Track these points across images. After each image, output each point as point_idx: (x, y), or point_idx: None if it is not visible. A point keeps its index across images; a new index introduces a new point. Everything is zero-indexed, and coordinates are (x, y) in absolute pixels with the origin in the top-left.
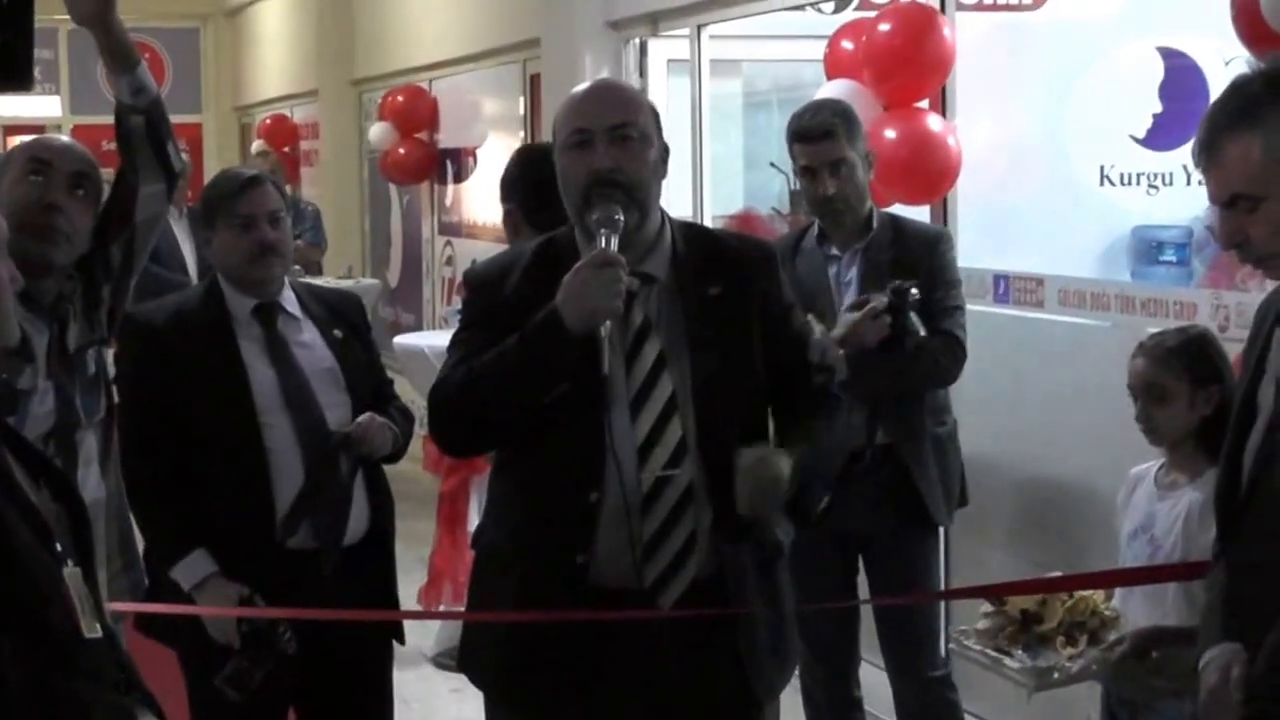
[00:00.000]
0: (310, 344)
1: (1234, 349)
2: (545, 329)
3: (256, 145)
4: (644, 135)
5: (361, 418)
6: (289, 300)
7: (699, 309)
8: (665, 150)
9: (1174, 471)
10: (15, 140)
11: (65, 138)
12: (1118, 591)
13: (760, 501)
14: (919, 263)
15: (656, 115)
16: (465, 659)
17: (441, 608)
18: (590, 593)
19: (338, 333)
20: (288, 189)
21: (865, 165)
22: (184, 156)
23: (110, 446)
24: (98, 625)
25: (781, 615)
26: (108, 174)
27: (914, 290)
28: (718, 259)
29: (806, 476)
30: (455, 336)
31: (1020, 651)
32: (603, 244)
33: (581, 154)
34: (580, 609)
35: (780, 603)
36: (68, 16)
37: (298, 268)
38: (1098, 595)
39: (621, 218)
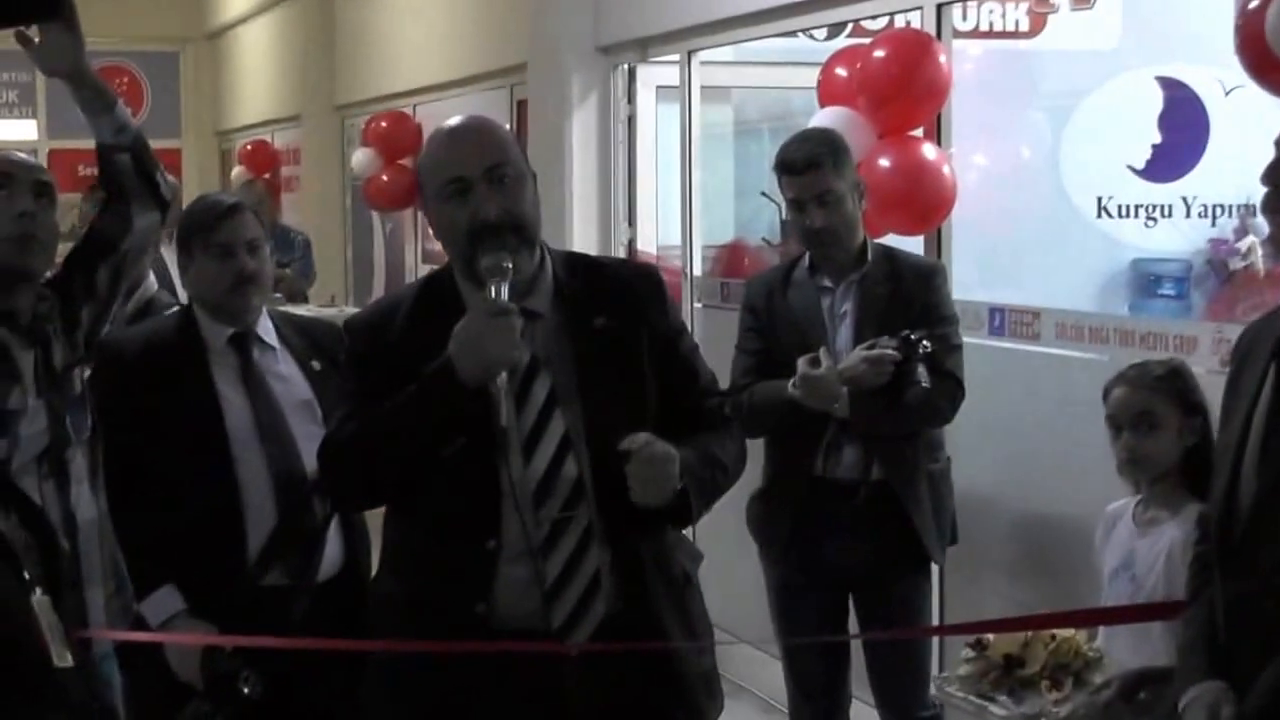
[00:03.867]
0: (287, 376)
1: None
2: (439, 382)
3: (236, 171)
4: (519, 173)
5: None
6: (265, 329)
7: (586, 343)
8: (534, 176)
9: (1153, 508)
10: None
11: (17, 153)
12: (1101, 631)
13: (653, 482)
14: (915, 297)
15: (521, 150)
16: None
17: None
18: (494, 640)
19: (316, 364)
20: (278, 219)
21: (855, 195)
22: (170, 180)
23: (97, 465)
24: (68, 653)
25: (700, 645)
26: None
27: (926, 343)
28: (602, 288)
29: (691, 480)
30: (341, 388)
31: (1004, 697)
32: (494, 293)
33: (461, 202)
34: (484, 659)
35: (698, 633)
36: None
37: (278, 295)
38: (1080, 636)
39: (510, 265)
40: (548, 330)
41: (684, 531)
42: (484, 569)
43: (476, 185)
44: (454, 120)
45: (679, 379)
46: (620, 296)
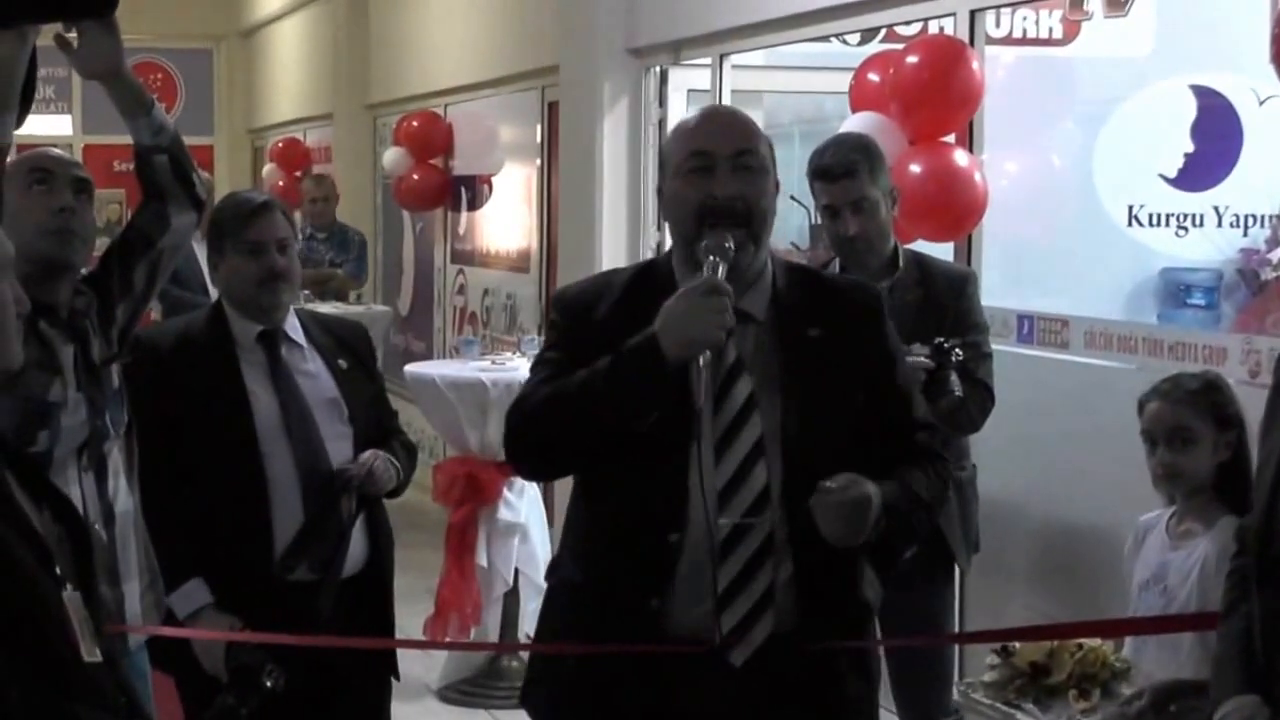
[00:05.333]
0: (314, 373)
1: (1264, 395)
2: (641, 354)
3: (268, 169)
4: (764, 166)
5: (364, 456)
6: (293, 328)
7: (796, 351)
8: (778, 184)
9: (1187, 520)
10: None
11: (55, 149)
12: (1129, 642)
13: (844, 525)
14: (946, 304)
15: (772, 148)
16: (526, 693)
17: (447, 639)
18: (661, 641)
19: (342, 362)
20: (335, 216)
21: (889, 202)
22: (204, 175)
23: (133, 458)
24: (97, 649)
25: (870, 678)
26: (117, 194)
27: (958, 351)
28: (820, 300)
29: (892, 520)
30: (540, 356)
31: (1031, 705)
32: (708, 272)
33: (700, 179)
34: (650, 656)
35: (869, 666)
36: (72, 34)
37: (306, 293)
38: (1107, 646)
39: (732, 246)
40: (759, 335)
41: None
42: (664, 563)
43: (719, 165)
44: (708, 105)
45: (892, 405)
46: (839, 310)
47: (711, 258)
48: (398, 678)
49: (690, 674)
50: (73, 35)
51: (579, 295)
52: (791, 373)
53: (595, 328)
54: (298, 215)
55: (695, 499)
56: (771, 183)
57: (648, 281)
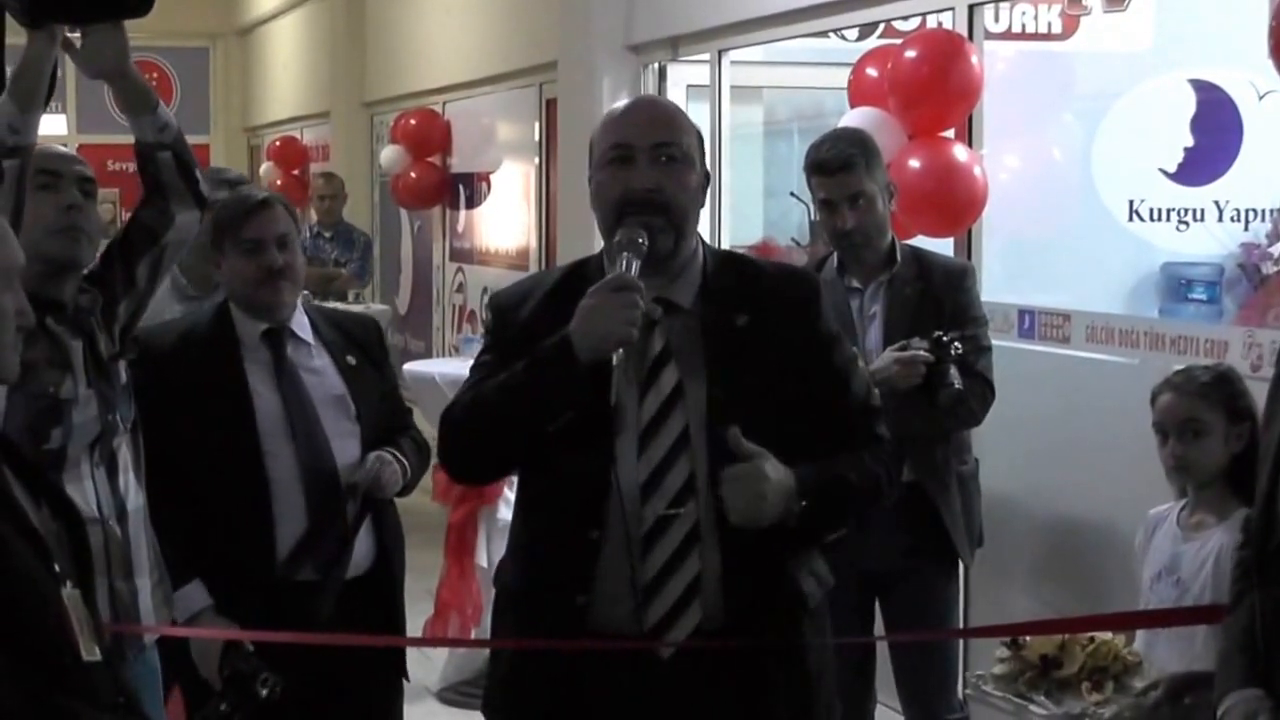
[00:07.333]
0: (321, 370)
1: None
2: (554, 354)
3: (266, 167)
4: (687, 157)
5: (370, 460)
6: (300, 324)
7: (722, 339)
8: (706, 177)
9: (1200, 512)
10: None
11: (60, 147)
12: (1141, 635)
13: (744, 505)
14: (944, 298)
15: (701, 139)
16: (485, 703)
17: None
18: (589, 638)
19: (351, 359)
20: (341, 216)
21: (886, 196)
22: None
23: (140, 454)
24: (96, 647)
25: (806, 676)
26: (111, 194)
27: (957, 344)
28: (750, 288)
29: (819, 499)
30: (476, 360)
31: (1042, 697)
32: (622, 267)
33: (620, 170)
34: (579, 654)
35: (807, 664)
36: (75, 34)
37: (306, 293)
38: (1119, 639)
39: (645, 241)
40: (687, 324)
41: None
42: (586, 560)
43: (639, 157)
44: (636, 96)
45: (828, 390)
46: (768, 297)
47: (624, 254)
48: (408, 679)
49: (620, 670)
50: (75, 35)
51: (508, 297)
52: (716, 360)
53: (519, 329)
54: (308, 212)
55: (615, 494)
56: (695, 174)
57: (577, 280)
